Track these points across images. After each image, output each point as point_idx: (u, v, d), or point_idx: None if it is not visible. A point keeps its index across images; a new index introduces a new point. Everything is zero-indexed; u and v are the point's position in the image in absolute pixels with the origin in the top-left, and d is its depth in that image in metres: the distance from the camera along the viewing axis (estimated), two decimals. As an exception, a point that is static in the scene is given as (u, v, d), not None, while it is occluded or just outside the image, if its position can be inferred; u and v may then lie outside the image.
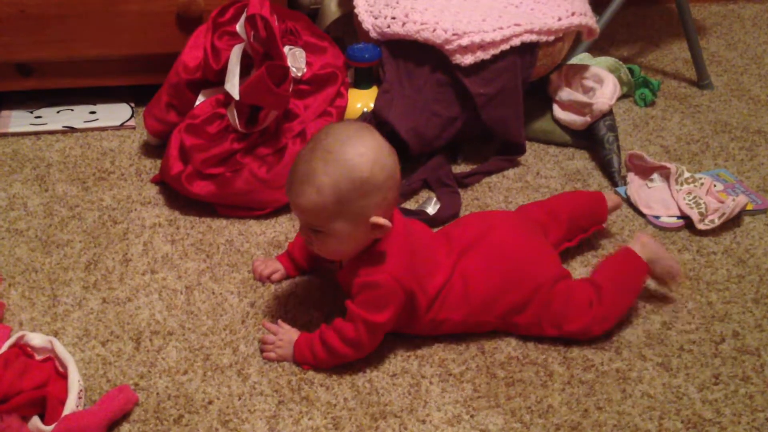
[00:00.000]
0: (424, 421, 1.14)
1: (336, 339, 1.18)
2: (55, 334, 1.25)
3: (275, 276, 1.36)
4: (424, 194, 1.61)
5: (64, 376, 1.13)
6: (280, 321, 1.26)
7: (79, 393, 1.11)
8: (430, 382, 1.20)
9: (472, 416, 1.16)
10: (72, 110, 1.80)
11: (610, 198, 1.47)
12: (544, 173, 1.69)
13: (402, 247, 1.19)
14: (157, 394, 1.16)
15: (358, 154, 1.11)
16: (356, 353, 1.19)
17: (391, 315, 1.17)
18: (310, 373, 1.20)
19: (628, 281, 1.30)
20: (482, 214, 1.48)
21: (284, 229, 1.49)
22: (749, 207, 1.57)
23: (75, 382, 1.12)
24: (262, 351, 1.23)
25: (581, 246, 1.46)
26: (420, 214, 1.52)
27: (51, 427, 1.06)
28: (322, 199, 1.12)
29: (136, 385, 1.18)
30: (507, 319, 1.25)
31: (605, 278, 1.30)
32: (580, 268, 1.43)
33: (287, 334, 1.23)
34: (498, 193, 1.62)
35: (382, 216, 1.15)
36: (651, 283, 1.37)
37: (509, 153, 1.70)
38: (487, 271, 1.24)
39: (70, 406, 1.09)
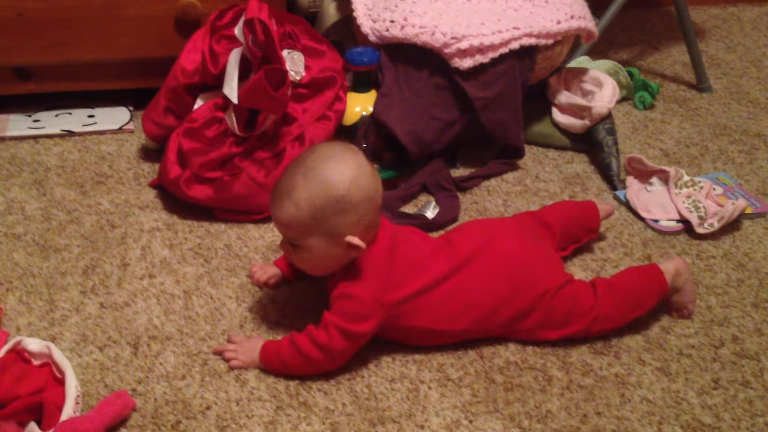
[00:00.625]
0: (422, 427, 1.14)
1: (306, 341, 1.17)
2: (53, 339, 1.24)
3: (272, 281, 1.35)
4: (423, 198, 1.61)
5: (61, 382, 1.13)
6: (232, 335, 1.26)
7: (76, 398, 1.11)
8: (429, 387, 1.20)
9: (470, 421, 1.15)
10: (70, 114, 1.80)
11: (602, 207, 1.46)
12: (543, 177, 1.68)
13: (383, 263, 1.19)
14: (155, 399, 1.16)
15: (337, 172, 1.14)
16: (326, 359, 1.17)
17: (370, 328, 1.17)
18: (309, 379, 1.20)
19: (638, 292, 1.28)
20: (483, 221, 1.47)
21: (283, 233, 1.49)
22: (748, 211, 1.57)
23: (72, 387, 1.11)
24: (227, 361, 1.22)
25: (581, 250, 1.46)
26: (419, 218, 1.51)
27: (48, 433, 1.06)
28: (299, 213, 1.14)
29: (134, 390, 1.17)
30: (510, 326, 1.25)
31: (617, 281, 1.30)
32: (579, 273, 1.43)
33: (248, 342, 1.23)
34: (497, 197, 1.62)
35: (360, 236, 1.15)
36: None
37: (508, 157, 1.70)
38: (492, 280, 1.23)
39: (68, 411, 1.09)
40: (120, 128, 1.76)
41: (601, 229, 1.48)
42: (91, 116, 1.79)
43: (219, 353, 1.23)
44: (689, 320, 1.33)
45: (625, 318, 1.28)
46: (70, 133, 1.74)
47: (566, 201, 1.53)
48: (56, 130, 1.74)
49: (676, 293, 1.30)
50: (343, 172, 1.14)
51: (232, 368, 1.21)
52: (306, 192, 1.14)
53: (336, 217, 1.14)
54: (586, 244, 1.45)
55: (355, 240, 1.15)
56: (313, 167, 1.15)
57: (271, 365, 1.20)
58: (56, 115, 1.79)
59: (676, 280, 1.29)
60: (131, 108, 1.82)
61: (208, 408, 1.15)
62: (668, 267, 1.29)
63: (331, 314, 1.17)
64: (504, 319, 1.24)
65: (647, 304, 1.29)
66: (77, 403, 1.11)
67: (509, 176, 1.68)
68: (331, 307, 1.18)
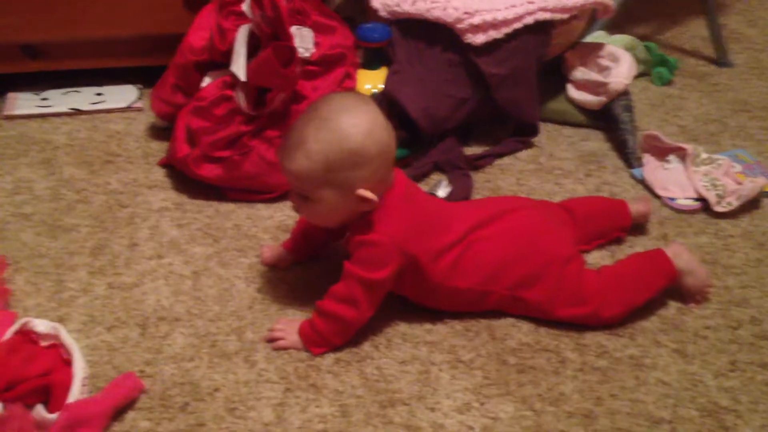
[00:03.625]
0: (433, 409, 1.12)
1: (331, 302, 1.18)
2: (61, 321, 1.23)
3: (282, 263, 1.34)
4: (435, 177, 1.58)
5: (69, 363, 1.12)
6: (278, 318, 1.25)
7: (83, 380, 1.10)
8: (440, 369, 1.18)
9: (482, 404, 1.14)
10: (78, 92, 1.78)
11: (638, 207, 1.41)
12: (558, 155, 1.65)
13: (402, 211, 1.18)
14: (163, 381, 1.15)
15: (351, 124, 1.11)
16: (356, 312, 1.17)
17: (387, 274, 1.16)
18: (318, 360, 1.19)
19: (645, 277, 1.26)
20: (505, 197, 1.49)
21: (292, 213, 1.45)
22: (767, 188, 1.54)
23: (80, 369, 1.11)
24: (271, 342, 1.21)
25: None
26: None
27: (55, 415, 1.05)
28: (311, 165, 1.12)
29: (142, 372, 1.16)
30: (516, 292, 1.23)
31: (623, 266, 1.28)
32: (594, 251, 1.40)
33: (291, 323, 1.22)
34: (510, 176, 1.59)
35: (371, 190, 1.14)
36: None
37: (522, 134, 1.67)
38: (501, 240, 1.23)
39: (75, 393, 1.08)
40: (128, 106, 1.74)
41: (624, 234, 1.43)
42: (99, 94, 1.78)
43: (269, 340, 1.21)
44: (707, 301, 1.30)
45: (632, 301, 1.25)
46: (79, 112, 1.72)
47: (596, 196, 1.49)
48: (64, 109, 1.72)
49: (687, 276, 1.27)
50: (357, 125, 1.11)
51: (277, 349, 1.20)
52: (319, 144, 1.11)
53: (349, 170, 1.12)
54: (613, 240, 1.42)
55: (367, 193, 1.14)
56: (326, 118, 1.12)
57: (311, 341, 1.19)
58: (64, 93, 1.77)
59: (679, 261, 1.27)
60: (140, 86, 1.80)
61: (216, 390, 1.14)
62: (668, 251, 1.28)
63: (350, 264, 1.17)
64: (509, 281, 1.23)
65: (654, 286, 1.27)
66: (84, 385, 1.10)
67: (523, 154, 1.66)
68: (352, 255, 1.17)
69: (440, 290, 1.22)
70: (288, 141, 1.15)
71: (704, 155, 1.56)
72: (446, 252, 1.21)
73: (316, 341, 1.19)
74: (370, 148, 1.12)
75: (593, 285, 1.24)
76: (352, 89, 1.56)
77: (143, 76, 1.81)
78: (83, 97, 1.76)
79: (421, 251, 1.18)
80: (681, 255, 1.27)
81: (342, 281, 1.18)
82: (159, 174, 1.56)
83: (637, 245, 1.42)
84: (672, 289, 1.30)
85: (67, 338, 1.13)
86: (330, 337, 1.19)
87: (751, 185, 1.48)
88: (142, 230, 1.42)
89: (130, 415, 1.10)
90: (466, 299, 1.24)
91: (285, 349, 1.20)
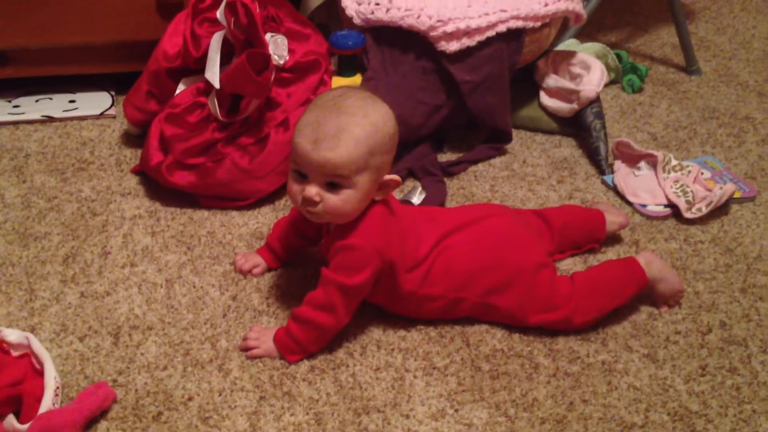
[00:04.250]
0: (407, 416, 1.13)
1: (308, 309, 1.18)
2: (32, 330, 1.22)
3: (256, 270, 1.34)
4: (410, 184, 1.59)
5: (40, 373, 1.11)
6: (253, 325, 1.25)
7: (55, 390, 1.09)
8: (414, 376, 1.19)
9: (456, 410, 1.14)
10: (51, 99, 1.77)
11: (614, 220, 1.43)
12: (531, 161, 1.67)
13: (383, 218, 1.19)
14: (136, 390, 1.14)
15: (383, 112, 1.16)
16: (333, 318, 1.17)
17: (365, 279, 1.16)
18: (292, 368, 1.18)
19: (617, 284, 1.28)
20: (479, 204, 1.50)
21: (267, 220, 1.47)
22: (737, 195, 1.56)
23: (51, 379, 1.10)
24: (245, 351, 1.21)
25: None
26: (405, 204, 1.49)
27: (27, 426, 1.04)
28: (357, 150, 1.13)
29: (115, 381, 1.16)
30: (487, 299, 1.24)
31: (596, 273, 1.30)
32: (566, 258, 1.41)
33: (266, 331, 1.22)
34: (484, 182, 1.60)
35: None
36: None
37: (496, 141, 1.68)
38: (471, 248, 1.24)
39: (47, 403, 1.07)
40: (101, 113, 1.73)
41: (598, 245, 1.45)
42: (72, 101, 1.76)
43: (243, 348, 1.21)
44: (676, 306, 1.32)
45: (604, 308, 1.26)
46: (51, 119, 1.71)
47: (573, 206, 1.50)
48: (36, 116, 1.71)
49: (659, 283, 1.29)
50: (387, 113, 1.17)
51: (252, 357, 1.19)
52: (361, 129, 1.13)
53: (386, 153, 1.17)
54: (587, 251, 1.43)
55: (394, 176, 1.18)
56: (358, 108, 1.15)
57: (287, 349, 1.19)
58: (36, 101, 1.76)
59: (651, 269, 1.28)
60: (113, 93, 1.79)
61: (190, 399, 1.14)
62: (640, 259, 1.29)
63: (328, 270, 1.17)
64: (481, 289, 1.24)
65: (625, 293, 1.28)
66: (57, 395, 1.09)
67: (497, 161, 1.67)
68: (331, 261, 1.18)
69: (413, 298, 1.23)
70: (321, 133, 1.12)
71: (674, 162, 1.58)
72: (420, 263, 1.22)
73: (292, 349, 1.19)
74: (395, 136, 1.18)
75: (565, 291, 1.25)
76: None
77: (117, 83, 1.80)
78: (56, 104, 1.75)
79: (398, 259, 1.19)
80: (652, 263, 1.29)
81: (320, 288, 1.18)
82: (132, 181, 1.55)
83: (609, 251, 1.43)
84: (643, 295, 1.31)
85: (39, 348, 1.13)
86: (306, 345, 1.19)
87: (721, 192, 1.50)
88: (114, 238, 1.41)
89: (103, 425, 1.10)
90: (438, 307, 1.25)
91: (259, 357, 1.20)
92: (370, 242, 1.16)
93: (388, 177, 1.18)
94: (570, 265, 1.40)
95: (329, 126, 1.13)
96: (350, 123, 1.13)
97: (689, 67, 2.01)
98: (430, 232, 1.25)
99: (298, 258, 1.37)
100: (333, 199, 1.15)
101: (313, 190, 1.14)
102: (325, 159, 1.13)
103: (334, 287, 1.16)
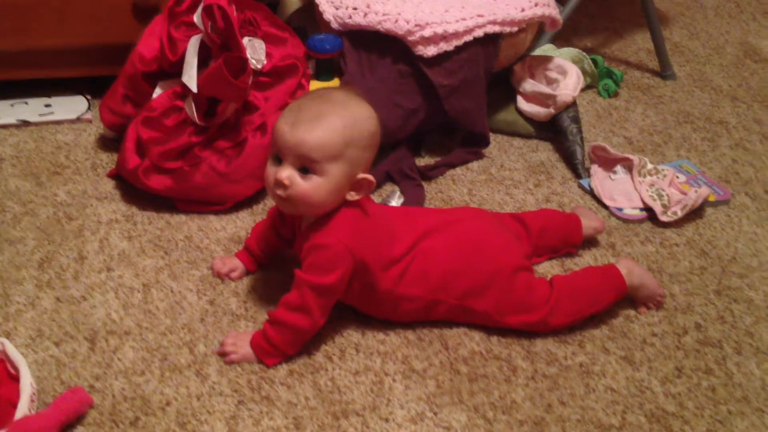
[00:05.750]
0: (387, 420, 1.13)
1: (283, 312, 1.18)
2: (7, 335, 1.21)
3: (234, 274, 1.33)
4: (388, 187, 1.59)
5: (15, 379, 1.10)
6: (229, 331, 1.24)
7: (31, 396, 1.08)
8: (393, 380, 1.19)
9: (435, 413, 1.14)
10: (26, 103, 1.75)
11: (590, 224, 1.44)
12: (509, 165, 1.68)
13: (355, 219, 1.19)
14: (113, 395, 1.14)
15: (369, 111, 1.18)
16: (308, 320, 1.17)
17: (337, 279, 1.16)
18: (271, 372, 1.18)
19: (597, 290, 1.29)
20: (457, 208, 1.51)
21: (245, 224, 1.46)
22: (711, 198, 1.58)
23: (27, 384, 1.08)
24: (223, 356, 1.20)
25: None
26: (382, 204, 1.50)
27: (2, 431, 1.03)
28: (332, 136, 1.14)
29: (91, 386, 1.15)
30: (465, 301, 1.24)
31: (576, 278, 1.31)
32: (544, 262, 1.42)
33: (243, 335, 1.21)
34: (462, 186, 1.61)
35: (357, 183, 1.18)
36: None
37: (473, 145, 1.69)
38: (449, 250, 1.25)
39: (22, 409, 1.06)
40: (77, 118, 1.72)
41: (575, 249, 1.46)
42: (47, 105, 1.75)
43: (220, 354, 1.20)
44: (654, 309, 1.33)
45: (581, 313, 1.27)
46: (26, 123, 1.69)
47: (551, 210, 1.50)
48: (11, 120, 1.69)
49: (638, 290, 1.30)
50: (372, 113, 1.18)
51: (229, 363, 1.19)
52: (341, 119, 1.15)
53: (362, 150, 1.17)
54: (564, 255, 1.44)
55: (368, 176, 1.18)
56: (344, 102, 1.17)
57: (265, 352, 1.19)
58: (11, 105, 1.74)
59: (631, 278, 1.29)
60: (89, 97, 1.78)
61: (167, 404, 1.13)
62: (621, 267, 1.30)
63: (301, 271, 1.17)
64: (458, 291, 1.24)
65: (604, 300, 1.29)
66: (32, 401, 1.08)
67: (474, 165, 1.67)
68: (303, 262, 1.18)
69: (390, 298, 1.23)
70: (301, 115, 1.15)
71: (650, 166, 1.60)
72: (396, 262, 1.22)
73: (269, 352, 1.19)
74: (376, 136, 1.19)
75: (542, 293, 1.26)
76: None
77: (93, 87, 1.79)
78: (31, 109, 1.73)
79: (371, 259, 1.19)
80: (633, 271, 1.30)
81: (294, 289, 1.18)
82: (108, 185, 1.54)
83: (585, 254, 1.44)
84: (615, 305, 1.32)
85: (14, 353, 1.11)
86: (283, 347, 1.19)
87: (695, 195, 1.52)
88: (90, 243, 1.40)
89: (79, 430, 1.09)
90: (415, 309, 1.25)
91: (237, 362, 1.19)
92: (340, 241, 1.16)
93: (362, 175, 1.18)
94: (547, 268, 1.41)
95: (310, 111, 1.15)
96: (330, 111, 1.16)
97: (664, 72, 2.03)
98: (406, 230, 1.25)
99: (276, 262, 1.37)
100: (303, 186, 1.15)
101: (284, 173, 1.15)
102: (300, 139, 1.14)
103: (307, 288, 1.16)
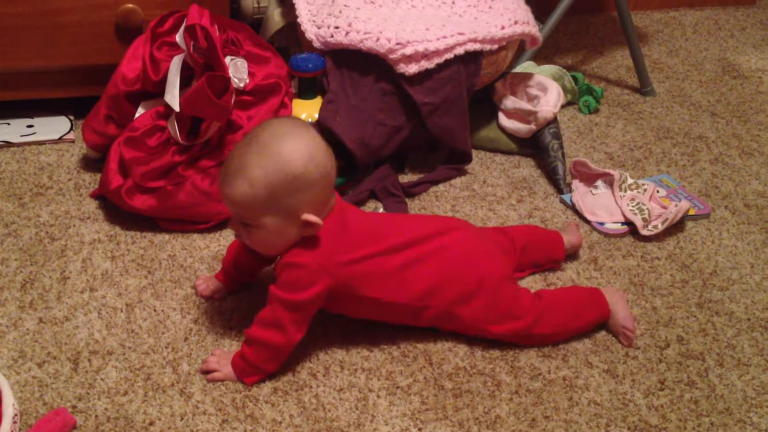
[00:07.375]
0: (371, 436, 1.13)
1: (257, 329, 1.17)
2: (-11, 357, 1.21)
3: (217, 295, 1.33)
4: (371, 204, 1.60)
5: (-2, 401, 1.09)
6: (214, 349, 1.24)
7: (14, 417, 1.08)
8: (378, 396, 1.19)
9: (419, 429, 1.14)
10: (8, 124, 1.75)
11: (570, 239, 1.45)
12: (491, 181, 1.69)
13: (330, 234, 1.17)
14: (96, 416, 1.13)
15: (293, 149, 1.12)
16: (283, 336, 1.16)
17: (312, 295, 1.15)
18: (255, 390, 1.18)
19: (580, 306, 1.30)
20: (445, 217, 1.52)
21: (228, 242, 1.46)
22: (691, 212, 1.59)
23: (9, 405, 1.08)
24: (206, 373, 1.20)
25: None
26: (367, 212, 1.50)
27: (-17, 455, 1.02)
28: (253, 191, 1.11)
29: (74, 407, 1.14)
30: (451, 308, 1.24)
31: (562, 293, 1.33)
32: (531, 283, 1.43)
33: (227, 355, 1.21)
34: (445, 202, 1.62)
35: (315, 214, 1.14)
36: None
37: (456, 161, 1.70)
38: (437, 260, 1.24)
39: (5, 431, 1.05)
40: (60, 138, 1.72)
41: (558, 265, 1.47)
42: (30, 126, 1.75)
43: (204, 371, 1.20)
44: (635, 322, 1.34)
45: (565, 325, 1.28)
46: (8, 144, 1.69)
47: (534, 226, 1.51)
48: (-7, 141, 1.69)
49: (611, 316, 1.31)
50: (299, 150, 1.11)
51: (212, 381, 1.19)
52: (261, 169, 1.10)
53: (292, 195, 1.12)
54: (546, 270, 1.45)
55: (312, 217, 1.13)
56: (267, 144, 1.12)
57: (244, 372, 1.18)
58: (-7, 126, 1.74)
59: (610, 298, 1.31)
60: (71, 117, 1.78)
61: (151, 424, 1.12)
62: (604, 291, 1.32)
63: (274, 287, 1.16)
64: (445, 299, 1.24)
65: (586, 317, 1.30)
66: (15, 422, 1.07)
67: (457, 181, 1.68)
68: (277, 279, 1.17)
69: (377, 304, 1.22)
70: (228, 168, 1.14)
71: (630, 181, 1.61)
72: (377, 256, 1.20)
73: (247, 371, 1.18)
74: (312, 172, 1.12)
75: (527, 302, 1.27)
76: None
77: (75, 108, 1.79)
78: (13, 129, 1.73)
79: (352, 271, 1.18)
80: (612, 296, 1.31)
81: (267, 305, 1.17)
82: (91, 206, 1.54)
83: (568, 268, 1.45)
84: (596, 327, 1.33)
85: (-4, 375, 1.11)
86: (261, 365, 1.18)
87: (676, 209, 1.53)
88: (73, 263, 1.40)
89: (62, 451, 1.08)
90: (403, 313, 1.25)
91: (220, 380, 1.19)
92: (314, 261, 1.15)
93: (306, 217, 1.13)
94: (530, 282, 1.42)
95: (234, 163, 1.13)
96: (251, 162, 1.11)
97: (643, 89, 2.05)
98: (391, 233, 1.24)
99: (260, 280, 1.37)
100: (247, 237, 1.17)
101: (231, 226, 1.17)
102: (226, 196, 1.14)
103: (278, 304, 1.15)
